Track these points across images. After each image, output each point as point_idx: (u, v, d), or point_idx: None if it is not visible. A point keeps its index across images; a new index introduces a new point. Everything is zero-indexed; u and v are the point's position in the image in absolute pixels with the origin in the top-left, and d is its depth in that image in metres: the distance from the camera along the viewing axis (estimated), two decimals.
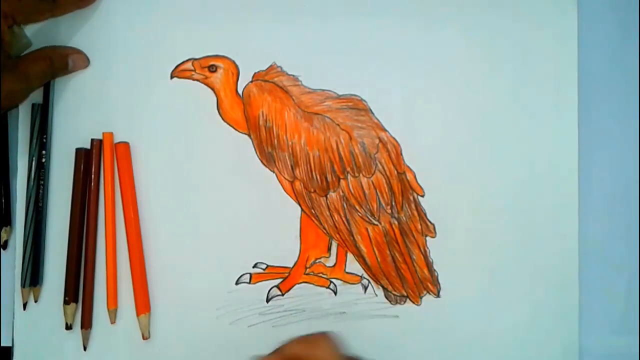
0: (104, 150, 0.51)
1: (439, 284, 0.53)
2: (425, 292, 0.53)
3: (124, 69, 0.52)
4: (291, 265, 0.52)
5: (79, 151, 0.51)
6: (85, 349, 0.50)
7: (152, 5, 0.52)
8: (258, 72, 0.52)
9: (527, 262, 0.53)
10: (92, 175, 0.51)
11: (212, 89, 0.52)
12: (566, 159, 0.53)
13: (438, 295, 0.53)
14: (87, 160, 0.51)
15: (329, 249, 0.53)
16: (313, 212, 0.52)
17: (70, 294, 0.50)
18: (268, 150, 0.52)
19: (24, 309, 0.50)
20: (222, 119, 0.52)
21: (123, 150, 0.51)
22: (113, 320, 0.51)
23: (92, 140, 0.51)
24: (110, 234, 0.50)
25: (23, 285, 0.50)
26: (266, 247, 0.52)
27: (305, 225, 0.52)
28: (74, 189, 0.50)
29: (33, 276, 0.50)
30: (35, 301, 0.51)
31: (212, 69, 0.52)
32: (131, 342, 0.51)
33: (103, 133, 0.51)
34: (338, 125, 0.52)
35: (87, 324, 0.50)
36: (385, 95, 0.53)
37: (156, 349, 0.51)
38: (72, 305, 0.50)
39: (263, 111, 0.52)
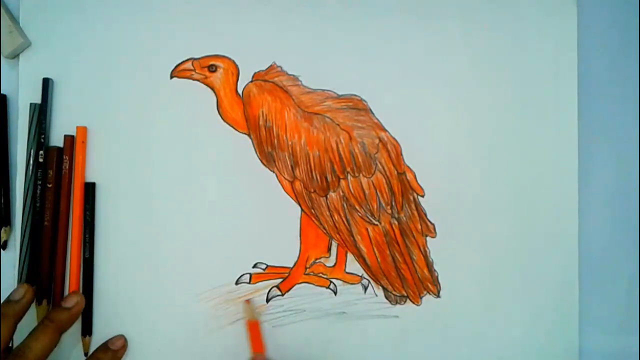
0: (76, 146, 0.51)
1: (439, 284, 0.53)
2: (425, 292, 0.53)
3: (124, 68, 0.52)
4: (291, 265, 0.52)
5: (51, 149, 0.50)
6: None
7: (152, 5, 0.52)
8: (258, 72, 0.52)
9: (527, 262, 0.53)
10: (63, 173, 0.51)
11: (212, 88, 0.52)
12: (566, 159, 0.53)
13: (438, 295, 0.53)
14: (59, 158, 0.51)
15: (329, 249, 0.53)
16: (313, 212, 0.52)
17: (42, 293, 0.50)
18: (268, 150, 0.52)
19: None
20: (222, 119, 0.52)
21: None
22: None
23: (65, 136, 0.51)
24: (76, 232, 0.50)
25: None
26: (266, 247, 0.52)
27: (305, 225, 0.52)
28: (47, 188, 0.50)
29: (29, 276, 0.50)
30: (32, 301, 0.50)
31: (212, 68, 0.52)
32: (131, 341, 0.51)
33: (77, 127, 0.51)
34: (338, 125, 0.52)
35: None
36: (385, 95, 0.53)
37: (155, 349, 0.51)
38: (44, 305, 0.50)
39: (263, 111, 0.52)
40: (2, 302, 0.48)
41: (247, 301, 0.51)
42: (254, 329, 0.50)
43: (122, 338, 0.51)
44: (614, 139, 0.54)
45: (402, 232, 0.52)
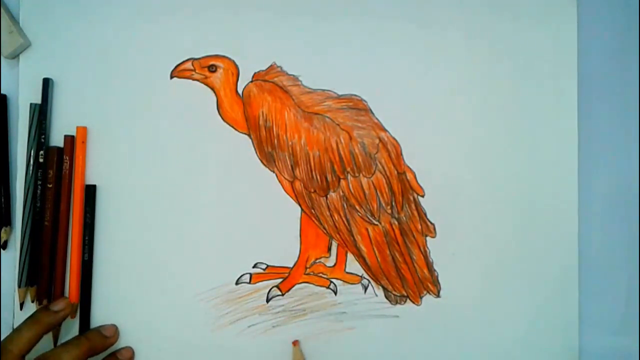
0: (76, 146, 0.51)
1: (439, 284, 0.53)
2: (425, 292, 0.53)
3: (124, 68, 0.52)
4: (291, 265, 0.52)
5: (51, 149, 0.50)
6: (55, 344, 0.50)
7: (152, 5, 0.52)
8: (258, 72, 0.52)
9: (527, 262, 0.53)
10: (63, 173, 0.51)
11: (212, 88, 0.52)
12: (566, 159, 0.53)
13: (438, 295, 0.53)
14: (59, 158, 0.51)
15: (329, 249, 0.53)
16: (313, 212, 0.52)
17: (42, 293, 0.50)
18: (268, 150, 0.52)
19: (21, 309, 0.50)
20: (222, 119, 0.52)
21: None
22: (73, 315, 0.50)
23: (65, 136, 0.51)
24: (76, 233, 0.50)
25: (19, 285, 0.50)
26: (266, 247, 0.52)
27: (305, 225, 0.52)
28: (47, 188, 0.50)
29: (30, 276, 0.50)
30: (32, 301, 0.50)
31: (212, 68, 0.52)
32: (132, 342, 0.51)
33: (77, 127, 0.51)
34: (338, 125, 0.52)
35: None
36: (385, 95, 0.53)
37: (156, 349, 0.51)
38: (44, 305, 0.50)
39: (263, 111, 0.52)
40: (39, 309, 0.49)
41: (296, 343, 0.51)
42: None
43: (130, 350, 0.51)
44: (614, 139, 0.54)
45: (402, 232, 0.52)
